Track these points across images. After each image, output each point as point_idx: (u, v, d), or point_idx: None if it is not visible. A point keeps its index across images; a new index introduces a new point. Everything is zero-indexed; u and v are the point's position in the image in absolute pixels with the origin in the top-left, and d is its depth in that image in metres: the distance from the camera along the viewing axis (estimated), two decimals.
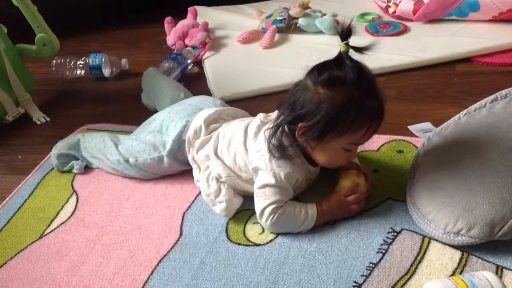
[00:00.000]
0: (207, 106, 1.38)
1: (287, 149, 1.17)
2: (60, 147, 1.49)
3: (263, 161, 1.18)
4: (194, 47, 2.06)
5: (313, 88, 1.11)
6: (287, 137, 1.18)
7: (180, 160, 1.37)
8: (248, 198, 1.26)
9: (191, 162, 1.34)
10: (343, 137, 1.12)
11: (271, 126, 1.19)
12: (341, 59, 1.11)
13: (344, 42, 1.12)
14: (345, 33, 1.12)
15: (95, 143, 1.45)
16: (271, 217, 1.17)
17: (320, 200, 1.21)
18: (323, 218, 1.19)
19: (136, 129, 1.48)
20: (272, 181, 1.17)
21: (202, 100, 1.44)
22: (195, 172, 1.33)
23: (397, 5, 2.12)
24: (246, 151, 1.23)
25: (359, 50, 1.12)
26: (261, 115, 1.27)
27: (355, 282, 1.06)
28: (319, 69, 1.12)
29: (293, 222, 1.17)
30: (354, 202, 1.19)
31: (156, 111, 1.55)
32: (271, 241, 1.18)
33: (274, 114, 1.24)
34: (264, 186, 1.18)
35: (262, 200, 1.18)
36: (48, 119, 1.78)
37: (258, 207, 1.19)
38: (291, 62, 1.88)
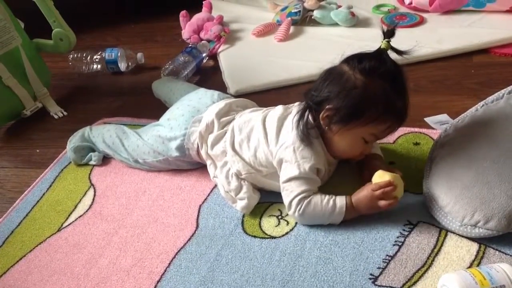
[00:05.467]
0: (205, 105, 1.37)
1: (310, 133, 1.17)
2: (74, 140, 1.50)
3: (287, 153, 1.18)
4: (209, 41, 2.06)
5: (349, 73, 1.12)
6: (310, 124, 1.18)
7: (188, 161, 1.38)
8: (263, 192, 1.27)
9: (204, 157, 1.33)
10: (366, 127, 1.13)
11: (298, 110, 1.20)
12: (381, 54, 1.13)
13: (386, 40, 1.14)
14: (389, 31, 1.14)
15: (104, 138, 1.47)
16: (298, 207, 1.16)
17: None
18: (351, 211, 1.15)
19: (144, 127, 1.47)
20: (296, 172, 1.16)
21: (200, 97, 1.41)
22: (210, 168, 1.33)
23: None
24: (267, 146, 1.22)
25: (399, 52, 1.14)
26: (280, 107, 1.27)
27: (371, 274, 1.06)
28: (359, 58, 1.13)
29: (320, 212, 1.15)
30: (381, 197, 1.12)
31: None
32: (287, 233, 1.18)
33: (293, 106, 1.24)
34: (290, 179, 1.17)
35: (289, 193, 1.17)
36: (65, 113, 1.80)
37: (285, 201, 1.18)
38: (307, 55, 1.88)
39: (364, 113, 1.11)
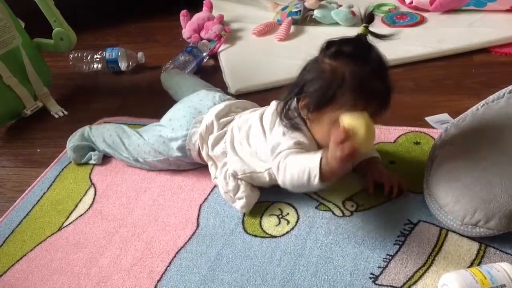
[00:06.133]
0: (207, 107, 1.37)
1: (296, 121, 1.16)
2: (73, 140, 1.50)
3: (279, 136, 1.16)
4: (209, 40, 2.06)
5: (320, 58, 1.12)
6: (294, 114, 1.18)
7: (189, 162, 1.39)
8: (264, 191, 1.27)
9: (206, 158, 1.33)
10: (340, 111, 1.07)
11: (280, 102, 1.19)
12: (356, 39, 1.11)
13: (364, 25, 1.11)
14: (367, 17, 1.12)
15: (104, 137, 1.47)
16: (283, 164, 1.11)
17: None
18: (326, 167, 1.03)
19: (145, 127, 1.47)
20: (285, 146, 1.13)
21: (201, 99, 1.41)
22: (211, 169, 1.33)
23: None
24: (265, 141, 1.21)
25: (378, 36, 1.11)
26: (274, 103, 1.25)
27: (372, 273, 1.06)
28: (329, 43, 1.12)
29: (298, 168, 1.07)
30: (337, 142, 0.98)
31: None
32: (287, 233, 1.18)
33: None
34: (278, 152, 1.14)
35: (278, 157, 1.13)
36: (66, 112, 1.80)
37: (274, 167, 1.15)
38: (307, 54, 1.87)
39: (335, 97, 1.08)
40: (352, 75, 1.07)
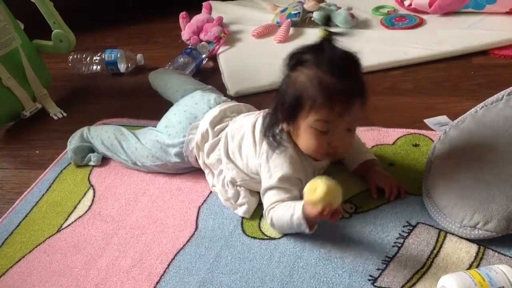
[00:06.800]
0: (202, 111, 1.36)
1: (282, 138, 1.16)
2: (74, 141, 1.50)
3: (263, 161, 1.18)
4: (208, 42, 2.06)
5: (286, 73, 1.13)
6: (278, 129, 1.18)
7: (186, 167, 1.39)
8: None
9: (202, 167, 1.34)
10: (310, 116, 1.09)
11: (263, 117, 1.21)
12: (312, 44, 1.12)
13: (323, 28, 1.14)
14: (323, 19, 1.16)
15: (102, 140, 1.47)
16: (269, 219, 1.17)
17: None
18: (309, 218, 1.09)
19: (143, 129, 1.47)
20: (267, 183, 1.17)
21: (197, 102, 1.41)
22: (208, 176, 1.33)
23: None
24: (255, 155, 1.21)
25: (339, 34, 1.14)
26: (264, 113, 1.24)
27: (370, 275, 1.06)
28: (290, 56, 1.13)
29: (285, 222, 1.13)
30: (315, 215, 1.05)
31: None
32: (286, 234, 1.18)
33: None
34: (265, 190, 1.18)
35: (264, 205, 1.18)
36: (65, 114, 1.80)
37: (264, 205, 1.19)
38: None
39: (301, 104, 1.09)
40: (312, 79, 1.08)
